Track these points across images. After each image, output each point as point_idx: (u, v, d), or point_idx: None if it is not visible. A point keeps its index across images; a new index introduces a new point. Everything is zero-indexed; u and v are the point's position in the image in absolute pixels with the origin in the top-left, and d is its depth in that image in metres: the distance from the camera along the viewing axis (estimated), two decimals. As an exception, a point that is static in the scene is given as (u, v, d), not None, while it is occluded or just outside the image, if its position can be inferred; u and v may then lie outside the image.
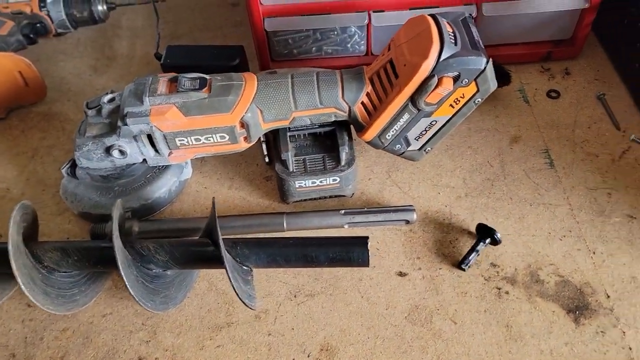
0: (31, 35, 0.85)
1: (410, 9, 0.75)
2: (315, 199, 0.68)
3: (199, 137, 0.61)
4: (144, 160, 0.64)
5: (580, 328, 0.55)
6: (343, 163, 0.64)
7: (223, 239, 0.53)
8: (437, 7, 0.74)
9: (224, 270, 0.51)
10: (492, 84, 0.57)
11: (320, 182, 0.64)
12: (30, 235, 0.57)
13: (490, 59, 0.56)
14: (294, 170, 0.64)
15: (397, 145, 0.63)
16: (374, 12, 0.75)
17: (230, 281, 0.51)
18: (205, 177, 0.72)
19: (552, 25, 0.78)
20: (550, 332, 0.55)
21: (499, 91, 0.77)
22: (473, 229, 0.63)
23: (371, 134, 0.62)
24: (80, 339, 0.58)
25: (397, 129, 0.61)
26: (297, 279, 0.61)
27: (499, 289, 0.58)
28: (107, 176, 0.67)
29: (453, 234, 0.63)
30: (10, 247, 0.52)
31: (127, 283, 0.51)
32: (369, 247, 0.54)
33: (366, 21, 0.75)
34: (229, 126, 0.60)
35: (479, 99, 0.58)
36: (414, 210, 0.64)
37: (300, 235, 0.57)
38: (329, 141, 0.67)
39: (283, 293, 0.60)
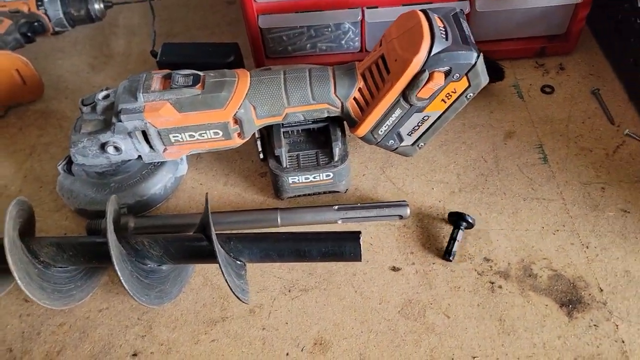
0: (29, 34, 0.85)
1: (404, 5, 0.75)
2: (309, 194, 0.68)
3: (193, 134, 0.61)
4: (139, 156, 0.64)
5: (573, 321, 0.55)
6: (336, 159, 0.65)
7: (217, 234, 0.54)
8: (430, 3, 0.74)
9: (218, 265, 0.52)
10: (484, 78, 0.58)
11: (314, 177, 0.64)
12: (27, 231, 0.58)
13: (481, 54, 0.56)
14: (288, 166, 0.65)
15: (390, 141, 0.63)
16: (367, 8, 0.76)
17: (224, 275, 0.51)
18: (200, 173, 0.72)
19: (546, 21, 0.78)
20: (543, 325, 0.55)
21: (493, 87, 0.78)
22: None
23: (364, 129, 0.62)
24: (77, 334, 0.58)
25: (389, 124, 0.61)
26: (291, 274, 0.61)
27: (492, 283, 0.59)
28: (102, 173, 0.67)
29: (447, 229, 0.63)
30: (6, 242, 0.52)
31: (121, 278, 0.52)
32: (361, 242, 0.55)
33: (360, 17, 0.76)
34: (223, 122, 0.60)
35: (471, 94, 0.58)
36: (407, 205, 0.64)
37: (293, 231, 0.57)
38: (322, 137, 0.67)
39: (277, 288, 0.60)
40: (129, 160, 0.66)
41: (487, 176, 0.68)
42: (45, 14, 0.86)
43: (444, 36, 0.56)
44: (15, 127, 0.81)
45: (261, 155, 0.72)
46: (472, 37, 0.58)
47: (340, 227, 0.65)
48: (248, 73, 0.63)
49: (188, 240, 0.56)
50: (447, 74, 0.56)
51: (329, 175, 0.65)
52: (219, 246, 0.53)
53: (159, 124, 0.60)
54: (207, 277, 0.62)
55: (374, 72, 0.60)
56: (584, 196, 0.65)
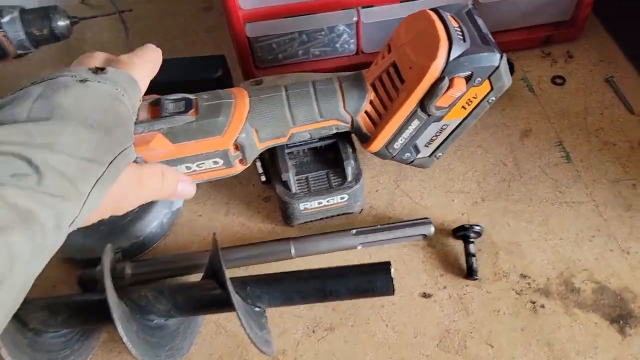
0: (-13, 61, 0.77)
1: (402, 2, 0.69)
2: (321, 219, 0.62)
3: (190, 165, 0.55)
4: None
5: (627, 339, 0.51)
6: (350, 179, 0.59)
7: (230, 278, 0.48)
8: (432, -2, 0.69)
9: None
10: (507, 80, 0.52)
11: (327, 201, 0.59)
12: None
13: (504, 54, 0.51)
14: (297, 192, 0.59)
15: (407, 154, 0.58)
16: (362, 7, 0.69)
17: (245, 329, 0.45)
18: (198, 203, 0.66)
19: (551, 7, 0.74)
20: (595, 347, 0.51)
21: (503, 82, 0.73)
22: (495, 237, 0.59)
23: (378, 144, 0.57)
24: (79, 404, 0.52)
25: (405, 137, 0.56)
26: (312, 311, 0.55)
27: (533, 302, 0.54)
28: (90, 215, 0.60)
29: (475, 244, 0.58)
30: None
31: (128, 343, 0.45)
32: (393, 274, 0.49)
33: (355, 18, 0.70)
34: (222, 150, 0.54)
35: (493, 98, 0.53)
36: (430, 223, 0.59)
37: (315, 267, 0.51)
38: (331, 154, 0.61)
39: (300, 329, 0.54)
40: None
41: (510, 181, 0.63)
42: (5, 36, 0.77)
43: (462, 37, 0.51)
44: (-17, 166, 0.73)
45: (263, 178, 0.66)
46: (490, 36, 0.52)
47: (360, 253, 0.59)
48: (245, 92, 0.56)
49: (198, 289, 0.50)
50: (468, 79, 0.51)
51: (343, 198, 0.59)
52: (236, 295, 0.47)
53: (151, 157, 0.53)
54: (220, 323, 0.56)
55: (386, 81, 0.54)
56: (615, 195, 0.61)
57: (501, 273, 0.56)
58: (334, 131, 0.57)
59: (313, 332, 0.54)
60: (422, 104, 0.52)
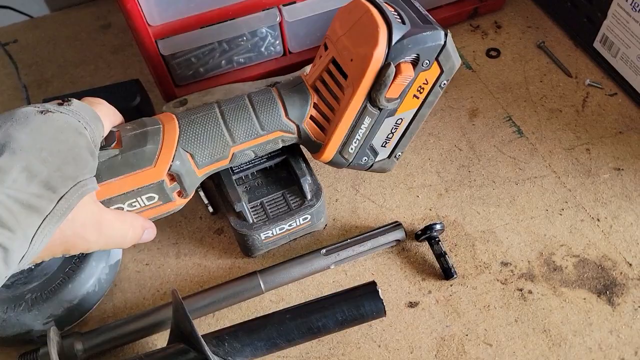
0: None
1: (325, -6, 0.65)
2: (284, 243, 0.57)
3: (120, 206, 0.47)
4: None
5: (618, 309, 0.50)
6: (309, 197, 0.54)
7: (203, 336, 0.42)
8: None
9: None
10: (456, 59, 0.49)
11: (289, 225, 0.54)
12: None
13: (449, 32, 0.48)
14: (255, 221, 0.53)
15: (364, 158, 0.54)
16: (284, 6, 0.64)
17: (236, 396, 0.40)
18: (141, 251, 0.58)
19: (473, -21, 0.72)
20: (590, 323, 0.49)
21: (439, 63, 0.70)
22: (467, 228, 0.56)
23: (330, 152, 0.52)
24: None
25: (359, 138, 0.51)
26: (297, 348, 0.50)
27: (520, 290, 0.52)
28: (12, 284, 0.52)
29: (449, 239, 0.56)
30: None
31: None
32: (381, 294, 0.45)
33: (278, 19, 0.64)
34: (156, 183, 0.46)
35: (445, 81, 0.50)
36: (401, 226, 0.55)
37: (294, 304, 0.46)
38: (283, 173, 0.56)
39: (287, 371, 0.50)
40: None
41: (469, 167, 0.61)
42: None
43: (400, 20, 0.47)
44: None
45: (210, 209, 0.60)
46: (430, 15, 0.49)
47: (334, 272, 0.55)
48: (173, 116, 0.49)
49: (168, 357, 0.44)
50: (415, 62, 0.47)
51: (306, 219, 0.54)
52: (215, 357, 0.42)
53: None
54: (197, 383, 0.49)
55: (328, 80, 0.50)
56: (573, 163, 0.60)
57: (482, 265, 0.54)
58: (280, 145, 0.51)
59: (302, 371, 0.49)
60: (371, 98, 0.48)
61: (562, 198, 0.58)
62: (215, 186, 0.57)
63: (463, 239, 0.56)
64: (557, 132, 0.63)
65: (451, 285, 0.53)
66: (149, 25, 0.60)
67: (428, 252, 0.55)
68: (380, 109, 0.49)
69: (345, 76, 0.48)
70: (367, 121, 0.50)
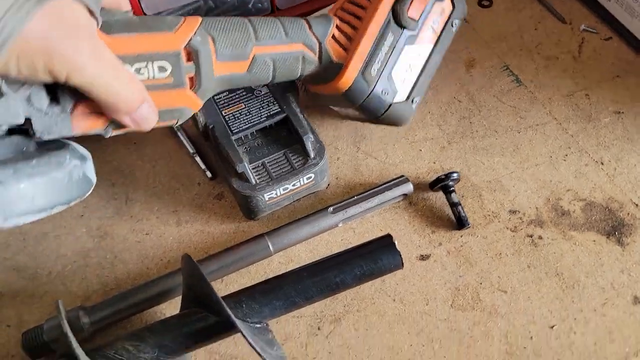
0: None
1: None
2: (287, 204, 0.56)
3: (127, 67, 0.40)
4: (26, 124, 0.37)
5: (627, 249, 0.50)
6: (312, 155, 0.52)
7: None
8: None
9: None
10: (464, 4, 0.51)
11: (293, 185, 0.52)
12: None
13: None
14: (258, 182, 0.51)
15: (383, 90, 0.52)
16: (271, -42, 0.62)
17: (261, 355, 0.39)
18: (139, 220, 0.56)
19: None
20: (601, 264, 0.50)
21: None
22: (473, 179, 0.56)
23: (352, 72, 0.50)
24: None
25: (381, 59, 0.51)
26: (312, 307, 0.49)
27: (531, 236, 0.52)
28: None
29: (456, 191, 0.55)
30: None
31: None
32: (397, 245, 0.44)
33: (266, -27, 0.61)
34: (172, 52, 0.41)
35: (456, 20, 0.53)
36: (408, 180, 0.54)
37: (310, 262, 0.45)
38: (283, 132, 0.54)
39: (303, 330, 0.49)
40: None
41: (470, 118, 0.60)
42: None
43: None
44: None
45: (209, 174, 0.58)
46: None
47: (342, 230, 0.54)
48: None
49: (186, 324, 0.42)
50: None
51: (309, 178, 0.52)
52: (235, 318, 0.40)
53: None
54: (211, 349, 0.48)
55: (349, 7, 0.51)
56: (574, 109, 0.60)
57: (491, 215, 0.54)
58: (299, 68, 0.49)
59: (318, 329, 0.49)
60: (395, 12, 0.50)
61: (564, 144, 0.58)
62: (214, 149, 0.55)
63: (470, 190, 0.55)
64: (555, 79, 0.63)
65: (461, 236, 0.53)
66: (131, -15, 0.57)
67: (435, 205, 0.55)
68: (402, 27, 0.50)
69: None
70: (389, 39, 0.51)
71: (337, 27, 0.50)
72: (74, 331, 0.47)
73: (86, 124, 0.38)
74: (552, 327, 0.47)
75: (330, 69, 0.51)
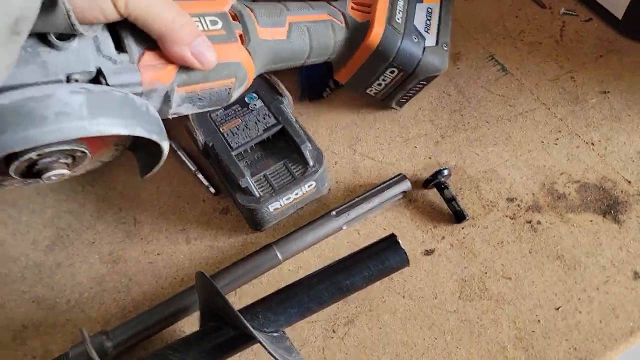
0: None
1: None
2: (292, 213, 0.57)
3: None
4: (97, 73, 0.37)
5: (624, 226, 0.52)
6: (312, 163, 0.54)
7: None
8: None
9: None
10: None
11: (296, 194, 0.53)
12: None
13: None
14: (262, 195, 0.53)
15: (413, 36, 0.54)
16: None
17: (280, 365, 0.41)
18: (149, 242, 0.57)
19: None
20: (599, 243, 0.51)
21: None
22: (469, 170, 0.57)
23: (380, 24, 0.53)
24: None
25: (401, 9, 0.54)
26: (325, 311, 0.51)
27: (529, 222, 0.54)
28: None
29: (453, 184, 0.57)
30: None
31: None
32: (402, 244, 0.46)
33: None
34: (220, 12, 0.45)
35: None
36: (406, 178, 0.56)
37: (319, 269, 0.47)
38: (281, 143, 0.56)
39: (319, 334, 0.50)
40: None
41: (460, 110, 0.62)
42: None
43: None
44: None
45: (212, 190, 0.59)
46: None
47: (346, 233, 0.55)
48: None
49: (207, 339, 0.44)
50: None
51: (311, 185, 0.54)
52: (252, 329, 0.42)
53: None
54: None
55: None
56: (560, 92, 0.62)
57: (489, 205, 0.55)
58: (332, 38, 0.53)
59: (333, 331, 0.50)
60: None
61: (555, 128, 0.59)
62: (216, 166, 0.56)
63: (467, 182, 0.57)
64: (540, 65, 0.64)
65: (463, 228, 0.54)
66: None
67: (435, 200, 0.56)
68: None
69: None
70: None
71: (352, 0, 0.55)
72: (100, 355, 0.49)
73: (154, 74, 0.40)
74: (557, 308, 0.49)
75: (358, 30, 0.53)
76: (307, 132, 0.55)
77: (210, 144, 0.54)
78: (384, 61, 0.54)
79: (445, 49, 0.56)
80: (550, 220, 0.53)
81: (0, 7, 0.29)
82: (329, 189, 0.58)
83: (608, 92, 0.61)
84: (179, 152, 0.62)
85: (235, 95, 0.47)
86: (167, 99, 0.42)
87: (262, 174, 0.54)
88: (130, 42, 0.39)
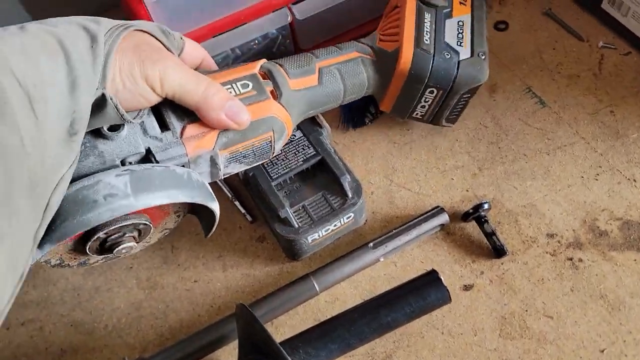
0: None
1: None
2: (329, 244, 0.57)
3: None
4: (147, 152, 0.42)
5: (669, 266, 0.51)
6: (350, 195, 0.54)
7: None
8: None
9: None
10: None
11: (334, 226, 0.54)
12: None
13: None
14: (301, 225, 0.53)
15: (444, 53, 0.54)
16: (293, 5, 0.63)
17: (322, 403, 0.40)
18: (187, 269, 0.58)
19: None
20: (644, 283, 0.51)
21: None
22: (507, 204, 0.57)
23: (408, 48, 0.53)
24: None
25: (428, 29, 0.55)
26: (363, 346, 0.51)
27: (571, 259, 0.53)
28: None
29: (492, 218, 0.56)
30: None
31: None
32: (443, 281, 0.46)
33: (289, 18, 0.63)
34: (250, 74, 0.48)
35: None
36: (443, 210, 0.56)
37: (359, 303, 0.46)
38: (321, 174, 0.56)
39: (356, 369, 0.50)
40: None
41: (498, 143, 0.62)
42: None
43: None
44: None
45: (249, 218, 0.60)
46: None
47: (384, 265, 0.55)
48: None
49: (246, 374, 0.44)
50: None
51: (349, 217, 0.54)
52: (294, 366, 0.42)
53: None
54: (268, 392, 0.50)
55: (385, 19, 0.58)
56: (600, 127, 0.61)
57: (529, 240, 0.55)
58: (362, 71, 0.54)
59: (371, 366, 0.50)
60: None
61: (595, 163, 0.58)
62: (254, 195, 0.56)
63: (505, 216, 0.56)
64: (579, 98, 0.64)
65: (502, 264, 0.54)
66: (161, 41, 0.59)
67: (473, 233, 0.56)
68: (432, 6, 0.56)
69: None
70: (427, 17, 0.55)
71: (380, 33, 0.56)
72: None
73: (196, 143, 0.43)
74: (602, 351, 0.48)
75: (389, 60, 0.54)
76: (345, 164, 0.56)
77: (251, 174, 0.55)
78: (419, 83, 0.54)
79: (483, 57, 0.56)
80: (592, 258, 0.53)
81: (57, 115, 0.33)
82: (366, 220, 0.58)
83: (649, 127, 0.60)
84: (217, 180, 0.62)
85: (278, 147, 0.49)
86: (213, 162, 0.45)
87: (300, 204, 0.54)
88: (172, 120, 0.43)
